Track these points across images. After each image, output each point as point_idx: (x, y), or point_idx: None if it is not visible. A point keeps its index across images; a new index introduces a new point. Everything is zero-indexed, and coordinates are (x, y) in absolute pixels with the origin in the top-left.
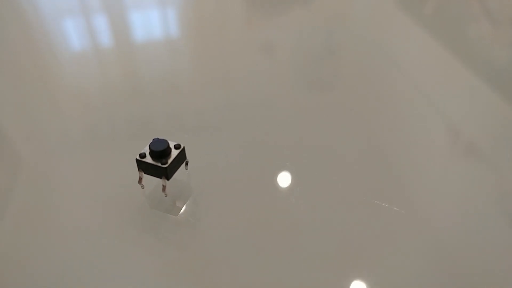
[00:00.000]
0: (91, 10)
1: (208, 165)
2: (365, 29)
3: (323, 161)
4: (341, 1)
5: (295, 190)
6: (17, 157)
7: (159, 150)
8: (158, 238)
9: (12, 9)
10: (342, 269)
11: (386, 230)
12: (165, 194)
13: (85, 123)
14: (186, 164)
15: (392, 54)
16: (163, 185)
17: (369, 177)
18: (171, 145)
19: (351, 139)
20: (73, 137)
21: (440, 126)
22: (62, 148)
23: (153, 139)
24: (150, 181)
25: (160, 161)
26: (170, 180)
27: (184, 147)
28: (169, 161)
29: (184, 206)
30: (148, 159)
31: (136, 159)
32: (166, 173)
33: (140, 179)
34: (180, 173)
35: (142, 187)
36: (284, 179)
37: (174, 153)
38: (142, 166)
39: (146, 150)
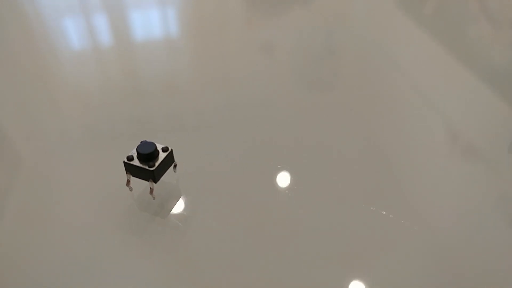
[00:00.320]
0: (91, 9)
1: (208, 165)
2: (365, 29)
3: (323, 161)
4: (341, 1)
5: (291, 190)
6: (17, 157)
7: (146, 153)
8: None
9: (12, 9)
10: (342, 269)
11: (386, 230)
12: (153, 197)
13: (85, 123)
14: (175, 166)
15: (392, 54)
16: (150, 188)
17: (369, 177)
18: (159, 147)
19: (351, 139)
20: (73, 136)
21: (439, 126)
22: (61, 148)
23: (141, 142)
24: (141, 183)
25: (147, 164)
26: (159, 182)
27: (172, 150)
28: (156, 164)
29: (174, 208)
30: (136, 162)
31: (124, 162)
32: (153, 176)
33: (128, 182)
34: (169, 175)
35: (130, 189)
36: (284, 179)
37: (162, 156)
38: (130, 169)
39: (134, 153)
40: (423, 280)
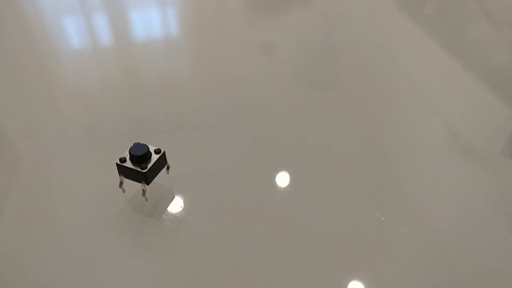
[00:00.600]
0: (91, 9)
1: (208, 165)
2: (365, 29)
3: (323, 161)
4: (341, 1)
5: (291, 190)
6: (17, 157)
7: (139, 155)
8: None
9: (12, 9)
10: (342, 269)
11: (385, 230)
12: (146, 199)
13: (84, 123)
14: (168, 168)
15: (392, 54)
16: (143, 190)
17: (369, 177)
18: (151, 149)
19: (351, 139)
20: (73, 136)
21: (439, 126)
22: (61, 148)
23: (134, 144)
24: (135, 184)
25: (140, 166)
26: (151, 184)
27: (164, 151)
28: (149, 165)
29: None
30: (128, 164)
31: (116, 164)
32: (145, 178)
33: (121, 183)
34: (161, 177)
35: (123, 191)
36: (284, 179)
37: (154, 157)
38: (122, 170)
39: (127, 155)
40: (423, 280)
